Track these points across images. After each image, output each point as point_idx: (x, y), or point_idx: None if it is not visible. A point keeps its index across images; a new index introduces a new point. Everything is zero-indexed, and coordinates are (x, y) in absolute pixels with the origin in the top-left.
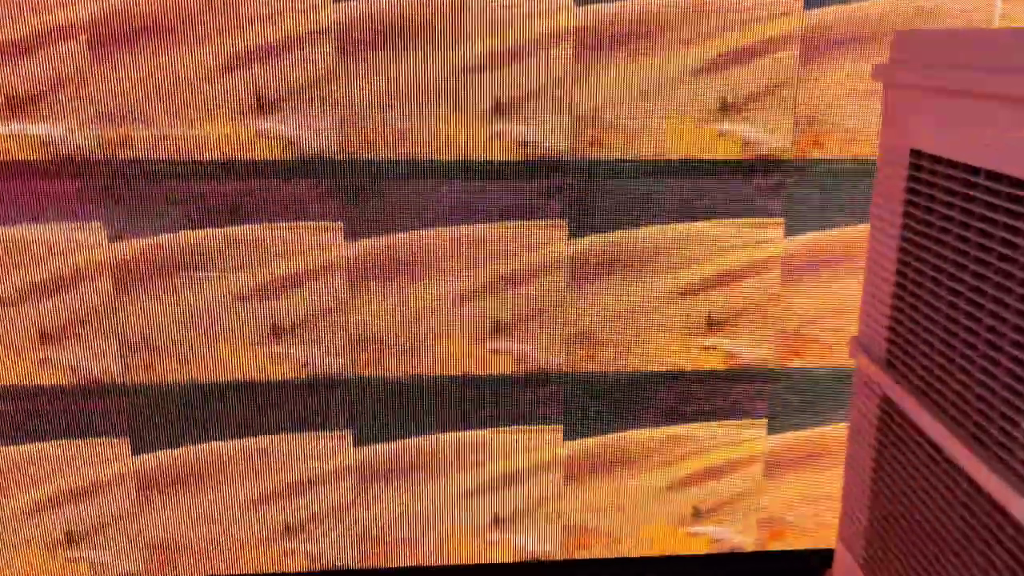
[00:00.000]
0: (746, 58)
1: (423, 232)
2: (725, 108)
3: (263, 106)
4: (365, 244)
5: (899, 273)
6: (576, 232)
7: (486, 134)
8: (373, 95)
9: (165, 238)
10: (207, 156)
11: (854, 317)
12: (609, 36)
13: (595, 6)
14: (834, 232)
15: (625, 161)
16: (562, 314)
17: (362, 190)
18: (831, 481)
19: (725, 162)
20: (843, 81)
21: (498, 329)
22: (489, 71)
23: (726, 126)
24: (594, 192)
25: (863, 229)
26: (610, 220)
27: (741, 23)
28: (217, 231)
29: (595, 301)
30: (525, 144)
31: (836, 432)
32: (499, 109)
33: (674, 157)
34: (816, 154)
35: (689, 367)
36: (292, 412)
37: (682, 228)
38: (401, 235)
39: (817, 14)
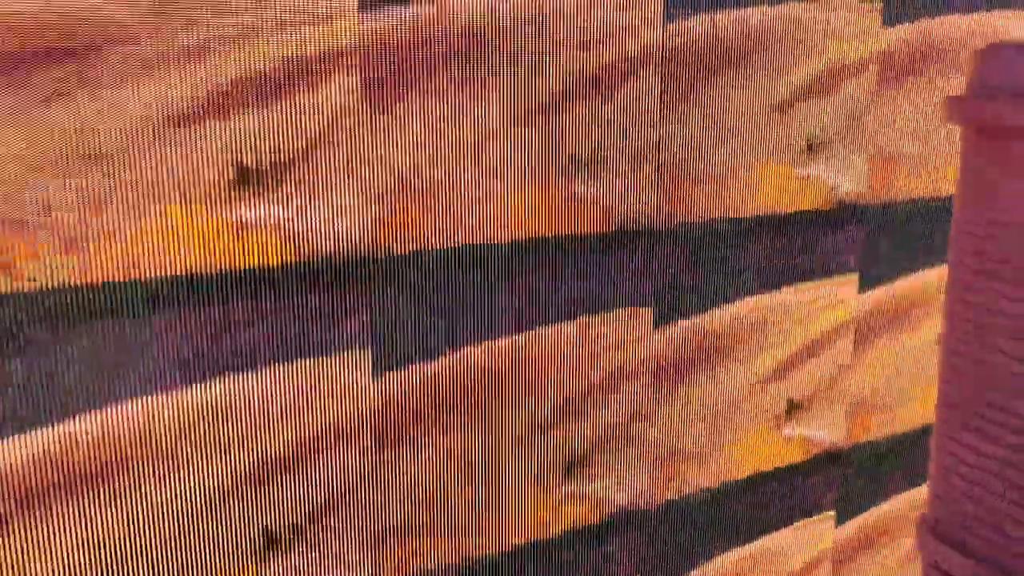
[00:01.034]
0: (820, 88)
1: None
2: (810, 148)
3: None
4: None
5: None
6: (663, 319)
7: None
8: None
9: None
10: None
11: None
12: (694, 66)
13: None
14: (908, 279)
15: (717, 222)
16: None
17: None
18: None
19: (807, 213)
20: (920, 108)
21: None
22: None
23: (810, 170)
24: (683, 264)
25: (939, 269)
26: (700, 299)
27: (809, 47)
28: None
29: (684, 406)
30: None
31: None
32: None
33: (760, 213)
34: (891, 195)
35: (769, 466)
36: None
37: (767, 300)
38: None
39: (897, 32)
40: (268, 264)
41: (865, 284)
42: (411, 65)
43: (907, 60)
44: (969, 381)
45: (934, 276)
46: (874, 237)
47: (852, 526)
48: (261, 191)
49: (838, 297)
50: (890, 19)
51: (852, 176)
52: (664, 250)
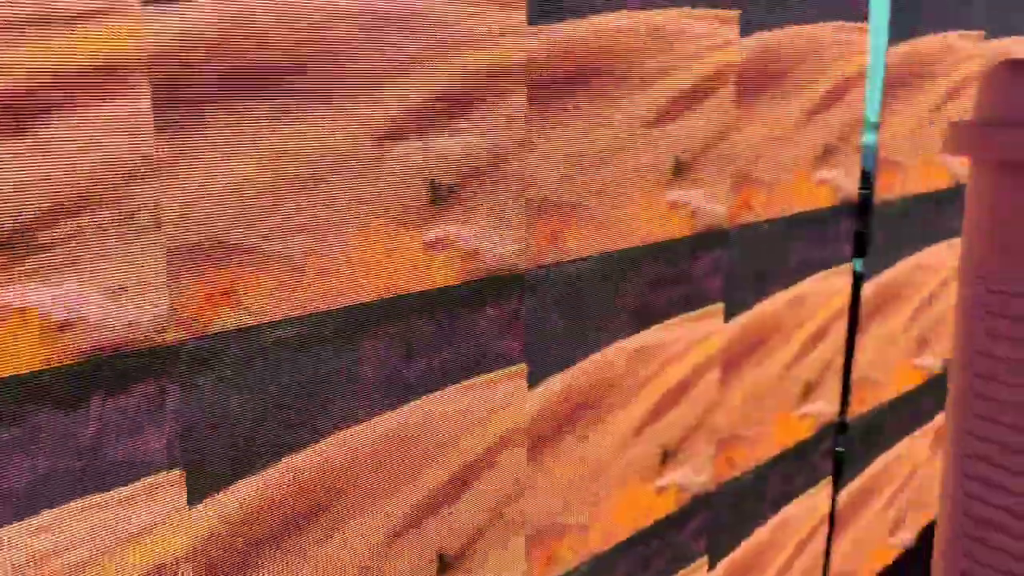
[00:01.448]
0: (684, 103)
1: None
2: (677, 170)
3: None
4: None
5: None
6: (537, 378)
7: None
8: None
9: None
10: None
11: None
12: (557, 77)
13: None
14: (764, 304)
15: (589, 260)
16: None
17: None
18: None
19: (676, 242)
20: (776, 123)
21: None
22: None
23: (678, 193)
24: (555, 312)
25: (798, 289)
26: (569, 349)
27: (673, 59)
28: None
29: (550, 478)
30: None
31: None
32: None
33: (632, 244)
34: (752, 217)
35: (648, 521)
36: None
37: (640, 340)
38: None
39: (753, 43)
40: (449, 284)
41: (730, 313)
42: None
43: (764, 73)
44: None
45: (784, 300)
46: (737, 262)
47: (721, 568)
48: (449, 211)
49: (706, 329)
50: (747, 28)
51: (717, 198)
52: (535, 297)
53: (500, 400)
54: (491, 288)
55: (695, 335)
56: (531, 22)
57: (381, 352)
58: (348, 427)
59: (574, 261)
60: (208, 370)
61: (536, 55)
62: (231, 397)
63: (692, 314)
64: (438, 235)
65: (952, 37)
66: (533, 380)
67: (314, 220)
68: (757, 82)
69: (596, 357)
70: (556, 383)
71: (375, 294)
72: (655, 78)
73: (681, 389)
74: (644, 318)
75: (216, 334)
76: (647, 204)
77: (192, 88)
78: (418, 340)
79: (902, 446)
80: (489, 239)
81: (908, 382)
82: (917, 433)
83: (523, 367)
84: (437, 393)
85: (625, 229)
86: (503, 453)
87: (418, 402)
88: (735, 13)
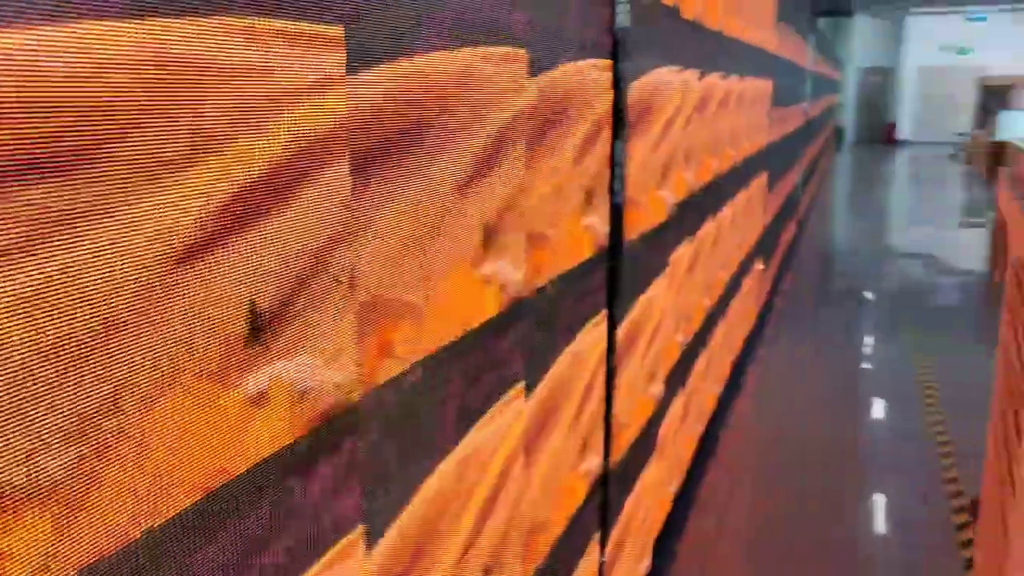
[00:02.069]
0: (488, 160)
1: None
2: (487, 239)
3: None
4: None
5: None
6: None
7: None
8: None
9: None
10: None
11: None
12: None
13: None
14: (554, 370)
15: (411, 371)
16: None
17: None
18: None
19: (487, 324)
20: (560, 174)
21: None
22: None
23: (487, 267)
24: (386, 441)
25: (575, 347)
26: (404, 489)
27: (480, 109)
28: None
29: None
30: None
31: None
32: None
33: (448, 341)
34: (541, 281)
35: None
36: None
37: (458, 455)
38: None
39: (540, 86)
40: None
41: (529, 388)
42: None
43: (545, 119)
44: None
45: (566, 364)
46: (533, 332)
47: None
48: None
49: (513, 413)
50: (534, 69)
51: (518, 264)
52: (370, 434)
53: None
54: (325, 438)
55: (504, 422)
56: (351, 70)
57: None
58: None
59: (406, 373)
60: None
61: (358, 113)
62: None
63: (504, 399)
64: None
65: (667, 73)
66: (371, 541)
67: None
68: (540, 129)
69: (431, 482)
70: (393, 534)
71: None
72: (463, 134)
73: (494, 496)
74: (468, 419)
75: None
76: (463, 284)
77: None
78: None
79: (646, 476)
80: (319, 373)
81: (644, 415)
82: (656, 457)
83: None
84: None
85: (448, 319)
86: None
87: None
88: (523, 52)
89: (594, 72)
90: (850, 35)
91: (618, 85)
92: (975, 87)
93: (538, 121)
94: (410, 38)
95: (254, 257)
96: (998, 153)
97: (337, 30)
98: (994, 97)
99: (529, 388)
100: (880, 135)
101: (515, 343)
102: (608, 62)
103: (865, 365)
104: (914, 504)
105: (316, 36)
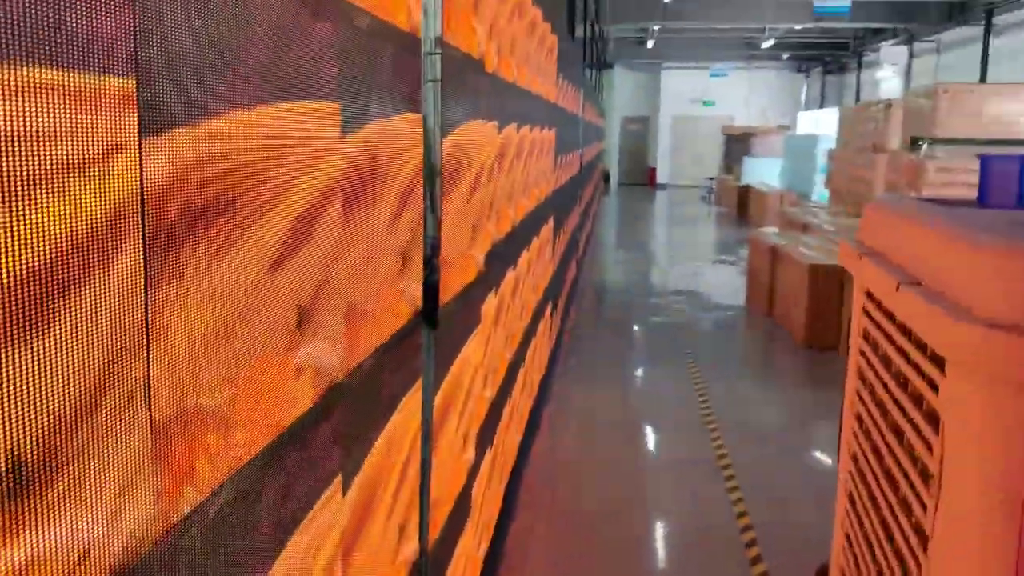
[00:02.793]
0: (299, 231)
1: None
2: (300, 323)
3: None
4: None
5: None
6: None
7: None
8: None
9: None
10: None
11: None
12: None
13: None
14: (373, 456)
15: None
16: None
17: None
18: None
19: (301, 419)
20: (372, 242)
21: None
22: None
23: (302, 354)
24: None
25: (390, 427)
26: None
27: (286, 172)
28: None
29: None
30: None
31: None
32: None
33: (260, 450)
34: (358, 358)
35: None
36: None
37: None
38: None
39: (352, 144)
40: None
41: (346, 483)
42: None
43: (365, 181)
44: None
45: (383, 449)
46: (349, 417)
47: None
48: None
49: (329, 522)
50: (347, 126)
51: (334, 345)
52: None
53: None
54: None
55: (322, 527)
56: (144, 132)
57: None
58: None
59: (211, 499)
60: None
61: (157, 183)
62: None
63: (321, 501)
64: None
65: (475, 126)
66: None
67: None
68: (355, 191)
69: None
70: None
71: None
72: (274, 200)
73: None
74: (283, 534)
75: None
76: (276, 378)
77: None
78: None
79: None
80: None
81: (459, 484)
82: (469, 525)
83: None
84: None
85: (259, 423)
86: None
87: None
88: (337, 107)
89: (406, 128)
90: (612, 86)
91: (429, 141)
92: (720, 136)
93: (353, 182)
94: (211, 93)
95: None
96: (744, 195)
97: (128, 83)
98: (737, 145)
99: (346, 482)
100: (642, 178)
101: (331, 434)
102: (418, 116)
103: (650, 396)
104: (707, 543)
105: (102, 91)
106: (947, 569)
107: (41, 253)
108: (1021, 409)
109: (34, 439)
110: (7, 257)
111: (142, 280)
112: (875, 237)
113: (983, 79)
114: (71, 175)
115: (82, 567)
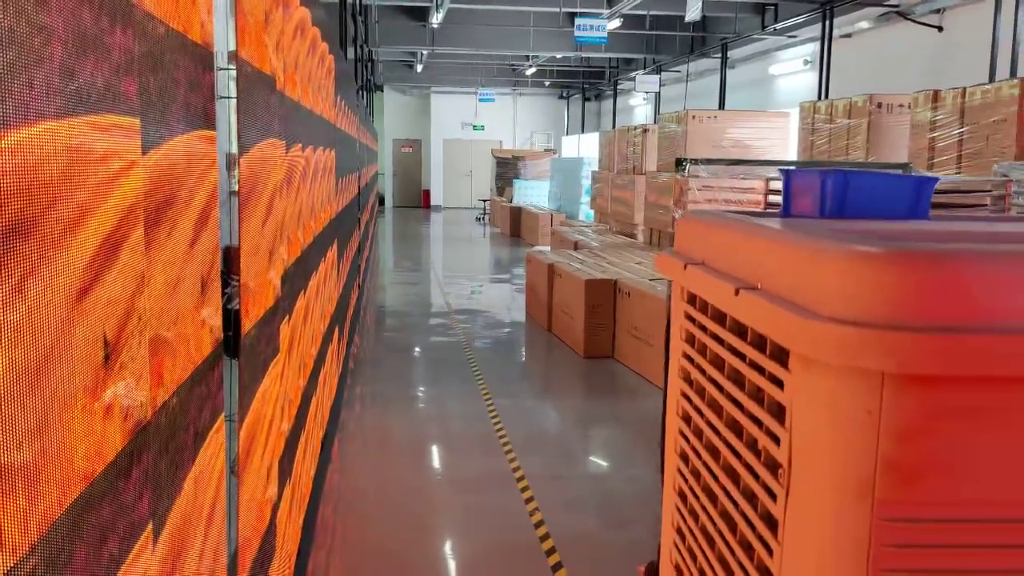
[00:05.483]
0: (103, 254)
1: None
2: (107, 358)
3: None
4: None
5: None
6: None
7: None
8: None
9: None
10: None
11: None
12: None
13: None
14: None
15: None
16: None
17: None
18: None
19: (108, 471)
20: (175, 266)
21: None
22: None
23: (109, 393)
24: None
25: (196, 470)
26: None
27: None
28: None
29: None
30: None
31: None
32: None
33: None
34: (165, 395)
35: None
36: None
37: None
38: None
39: (154, 161)
40: None
41: (156, 535)
42: None
43: (165, 202)
44: None
45: (190, 488)
46: (160, 459)
47: None
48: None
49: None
50: (147, 144)
51: (140, 381)
52: None
53: None
54: None
55: None
56: None
57: None
58: None
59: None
60: None
61: None
62: None
63: (129, 559)
64: None
65: (268, 146)
66: None
67: None
68: (156, 213)
69: None
70: None
71: None
72: (73, 226)
73: None
74: None
75: None
76: (83, 422)
77: None
78: None
79: None
80: None
81: (264, 524)
82: (275, 562)
83: None
84: None
85: (65, 478)
86: None
87: None
88: (137, 123)
89: (202, 146)
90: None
91: (225, 160)
92: (491, 158)
93: (153, 204)
94: None
95: None
96: (516, 215)
97: None
98: (508, 167)
99: (156, 534)
100: (417, 200)
101: (141, 480)
102: (213, 134)
103: (441, 415)
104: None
105: None
106: (801, 550)
107: None
108: (866, 396)
109: None
110: None
111: None
112: (693, 249)
113: (721, 106)
114: None
115: None
